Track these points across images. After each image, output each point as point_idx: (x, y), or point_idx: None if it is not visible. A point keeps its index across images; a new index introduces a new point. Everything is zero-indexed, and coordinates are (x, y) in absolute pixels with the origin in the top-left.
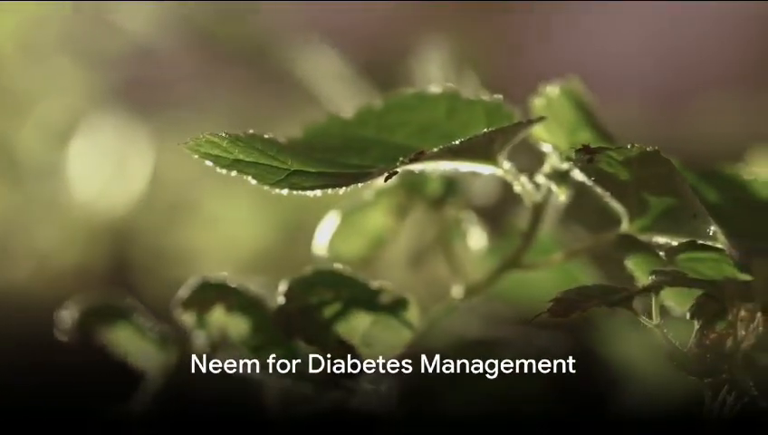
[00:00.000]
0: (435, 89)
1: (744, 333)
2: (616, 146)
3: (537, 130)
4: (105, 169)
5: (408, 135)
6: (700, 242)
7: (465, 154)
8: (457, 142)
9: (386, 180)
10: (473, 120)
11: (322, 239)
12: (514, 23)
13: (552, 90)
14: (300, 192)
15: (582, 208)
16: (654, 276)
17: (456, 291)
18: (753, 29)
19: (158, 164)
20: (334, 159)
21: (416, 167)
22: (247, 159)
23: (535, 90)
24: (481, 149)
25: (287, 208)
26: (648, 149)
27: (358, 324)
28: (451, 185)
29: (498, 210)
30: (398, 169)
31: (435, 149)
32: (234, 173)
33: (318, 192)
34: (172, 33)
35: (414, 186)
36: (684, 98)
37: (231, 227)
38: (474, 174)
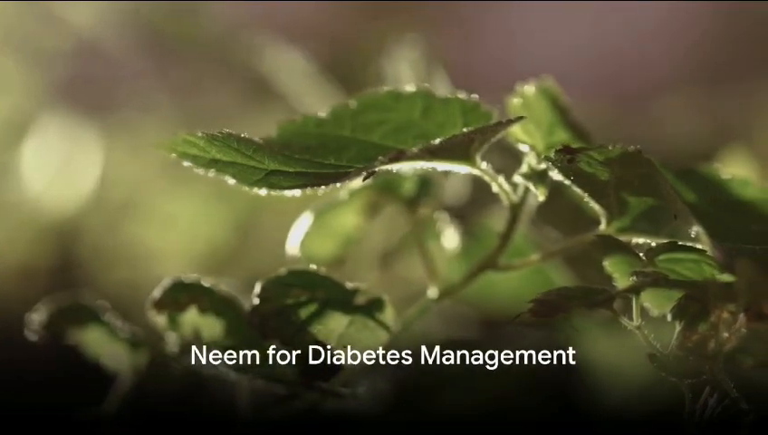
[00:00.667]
0: (410, 88)
1: (726, 334)
2: (597, 146)
3: (514, 130)
4: (53, 168)
5: (385, 134)
6: (680, 243)
7: (444, 154)
8: (437, 142)
9: (364, 180)
10: (449, 119)
11: (295, 239)
12: (463, 23)
13: (529, 89)
14: (278, 191)
15: (554, 210)
16: (635, 278)
17: (432, 291)
18: (700, 29)
19: (107, 163)
20: (311, 158)
21: (394, 166)
22: (225, 159)
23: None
24: (459, 149)
25: (238, 208)
26: (629, 149)
27: (334, 326)
28: (425, 185)
29: (465, 210)
30: (377, 169)
31: (414, 149)
32: (211, 173)
33: (297, 192)
34: (121, 29)
35: (388, 186)
36: (633, 99)
37: (182, 227)
38: (445, 174)
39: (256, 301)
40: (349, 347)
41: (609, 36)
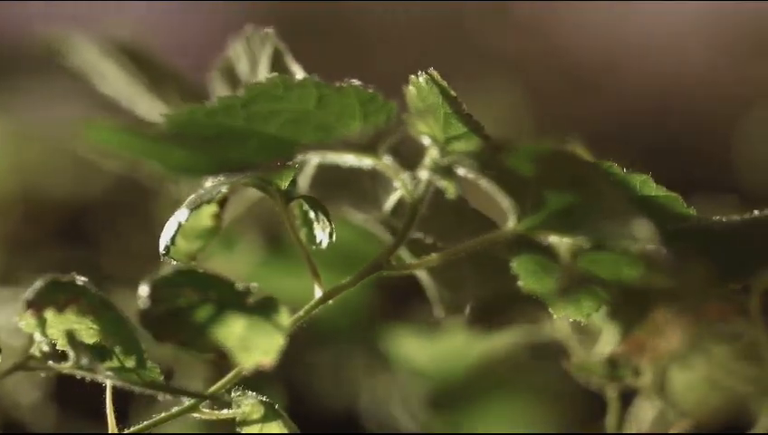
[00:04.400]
0: (298, 77)
1: (666, 339)
2: (529, 141)
3: (415, 122)
4: None
5: (282, 125)
6: (597, 243)
7: (356, 147)
8: (357, 135)
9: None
10: (347, 109)
11: (165, 237)
12: None
13: (421, 79)
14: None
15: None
16: (560, 278)
17: (318, 292)
18: None
19: None
20: (213, 150)
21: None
22: (136, 149)
23: None
24: (369, 143)
25: None
26: (563, 146)
27: (234, 328)
28: (295, 178)
29: None
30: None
31: (336, 142)
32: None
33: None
34: None
35: (268, 178)
36: None
37: None
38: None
39: (147, 302)
40: (248, 350)
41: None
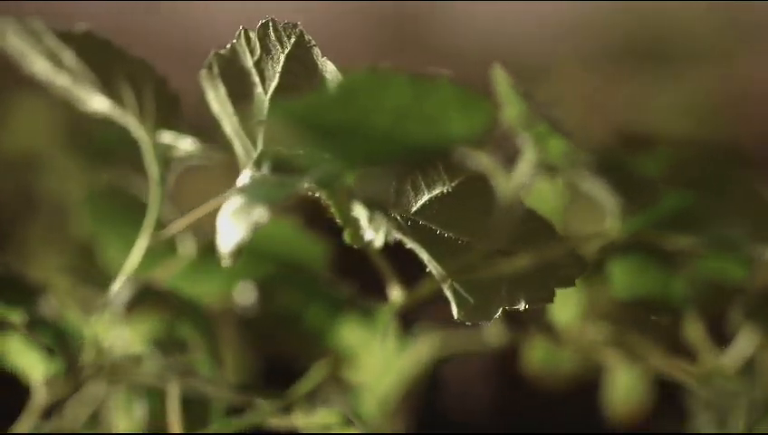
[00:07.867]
0: (390, 71)
1: None
2: (676, 144)
3: (512, 119)
4: None
5: (398, 119)
6: (717, 245)
7: (478, 145)
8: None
9: None
10: (449, 104)
11: (236, 235)
12: None
13: (502, 77)
14: None
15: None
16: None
17: (396, 294)
18: None
19: None
20: (353, 146)
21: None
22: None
23: None
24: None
25: None
26: (715, 150)
27: (347, 333)
28: None
29: None
30: None
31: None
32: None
33: None
34: None
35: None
36: None
37: None
38: None
39: (254, 304)
40: (362, 354)
41: None
